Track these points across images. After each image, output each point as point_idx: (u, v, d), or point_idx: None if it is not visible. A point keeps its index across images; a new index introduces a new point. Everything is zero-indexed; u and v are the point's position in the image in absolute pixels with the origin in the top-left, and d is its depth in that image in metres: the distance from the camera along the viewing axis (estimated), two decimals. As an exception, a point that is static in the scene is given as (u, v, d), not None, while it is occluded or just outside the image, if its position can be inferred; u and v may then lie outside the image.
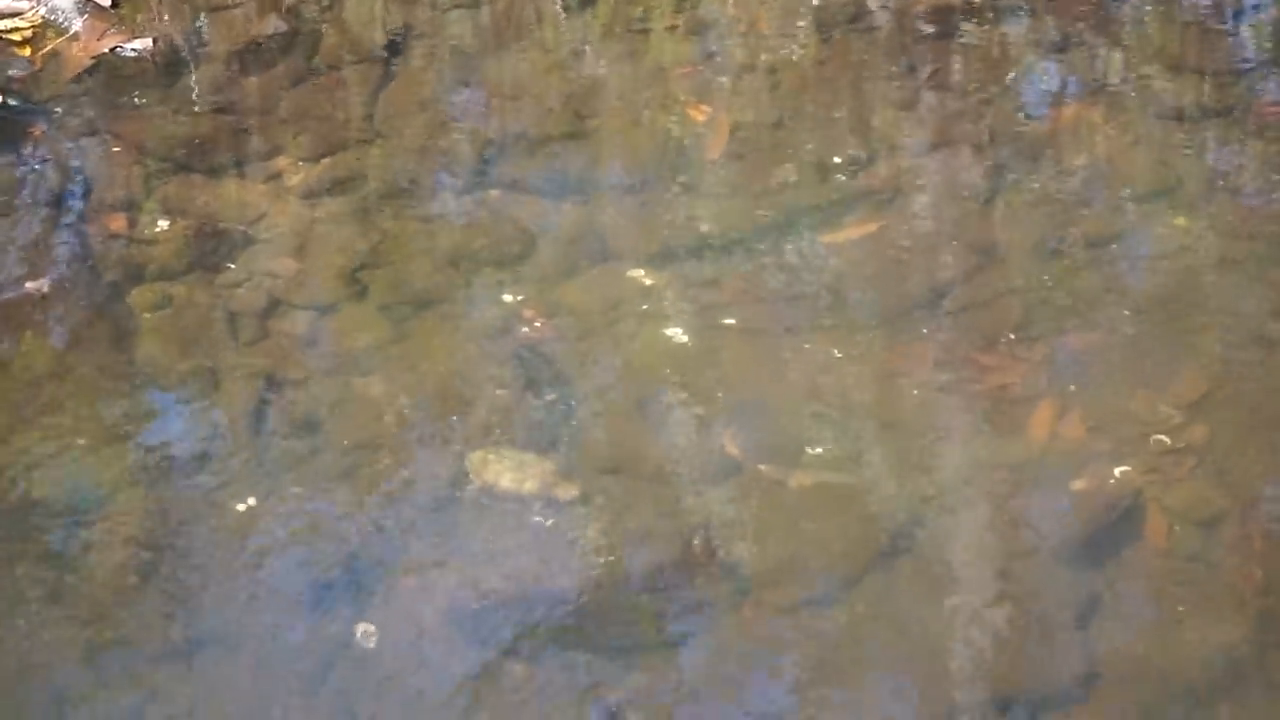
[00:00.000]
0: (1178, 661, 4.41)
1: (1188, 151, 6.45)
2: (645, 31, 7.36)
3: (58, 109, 6.66)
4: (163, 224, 5.97)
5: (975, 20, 7.43)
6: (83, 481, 4.91)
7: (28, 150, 6.39)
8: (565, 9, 7.54)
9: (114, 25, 7.16)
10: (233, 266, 5.75)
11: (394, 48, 7.19)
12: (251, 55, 7.09)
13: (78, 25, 7.14)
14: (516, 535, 4.72)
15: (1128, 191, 6.17)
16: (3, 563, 4.66)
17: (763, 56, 7.18)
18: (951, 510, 4.80)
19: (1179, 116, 6.65)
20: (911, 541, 4.72)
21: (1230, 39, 7.37)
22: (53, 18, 7.18)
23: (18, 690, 4.34)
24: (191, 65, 7.01)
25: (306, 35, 7.27)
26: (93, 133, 6.54)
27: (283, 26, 7.31)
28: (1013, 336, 5.41)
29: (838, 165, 6.33)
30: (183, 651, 4.44)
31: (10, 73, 6.83)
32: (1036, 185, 6.19)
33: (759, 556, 4.67)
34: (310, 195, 6.13)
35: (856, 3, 7.57)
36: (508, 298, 5.60)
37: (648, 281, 5.67)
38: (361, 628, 4.46)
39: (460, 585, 4.57)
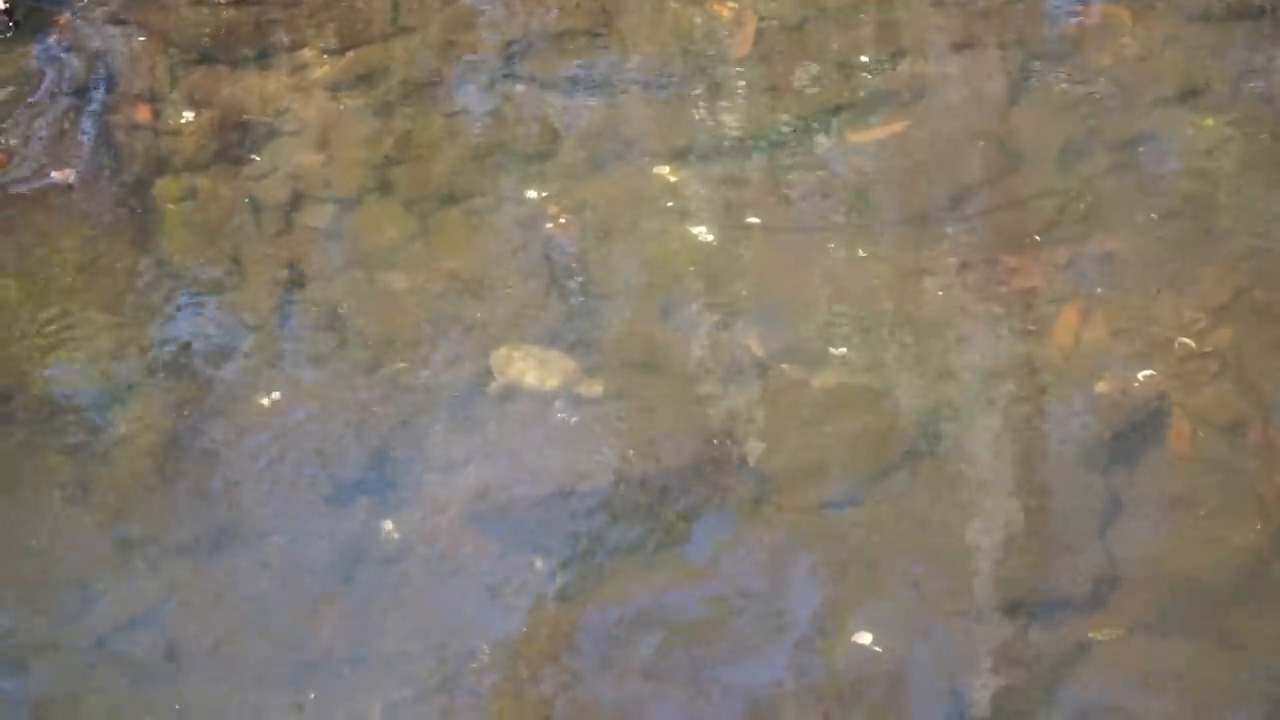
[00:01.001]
0: (1198, 565, 4.42)
1: (1215, 53, 6.40)
2: (672, -74, 7.31)
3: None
4: (187, 115, 5.96)
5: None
6: (108, 372, 4.93)
7: (53, 39, 6.37)
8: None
9: (139, -87, 7.12)
10: (257, 159, 5.74)
11: (419, -60, 7.14)
12: (277, -55, 7.05)
13: (102, -87, 7.09)
14: (539, 432, 4.73)
15: (1154, 94, 6.12)
16: (30, 452, 4.68)
17: (790, -48, 7.14)
18: (974, 412, 4.80)
19: (1207, 17, 6.60)
20: (933, 443, 4.72)
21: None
22: (77, -95, 7.14)
23: (47, 581, 4.37)
24: (216, -45, 6.98)
25: (332, -74, 7.23)
26: (118, 22, 6.51)
27: (308, -83, 7.27)
28: (1038, 239, 5.39)
29: (864, 64, 6.29)
30: (207, 545, 4.47)
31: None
32: (1063, 87, 6.15)
33: (782, 456, 4.68)
34: (335, 88, 6.11)
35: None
36: (532, 194, 5.59)
37: (672, 179, 5.66)
38: (385, 524, 4.48)
39: (483, 482, 4.59)
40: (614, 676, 4.20)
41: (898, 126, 5.93)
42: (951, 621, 4.31)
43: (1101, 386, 4.88)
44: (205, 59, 6.29)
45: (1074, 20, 6.65)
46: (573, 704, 4.16)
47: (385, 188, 5.64)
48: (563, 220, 5.47)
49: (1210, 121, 5.95)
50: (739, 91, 6.14)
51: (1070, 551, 4.46)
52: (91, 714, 4.14)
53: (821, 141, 5.87)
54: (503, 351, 4.96)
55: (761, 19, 6.55)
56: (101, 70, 6.19)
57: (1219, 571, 4.40)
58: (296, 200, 5.57)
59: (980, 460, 4.67)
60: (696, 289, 5.21)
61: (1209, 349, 4.97)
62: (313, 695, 4.15)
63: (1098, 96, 6.12)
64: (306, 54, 6.30)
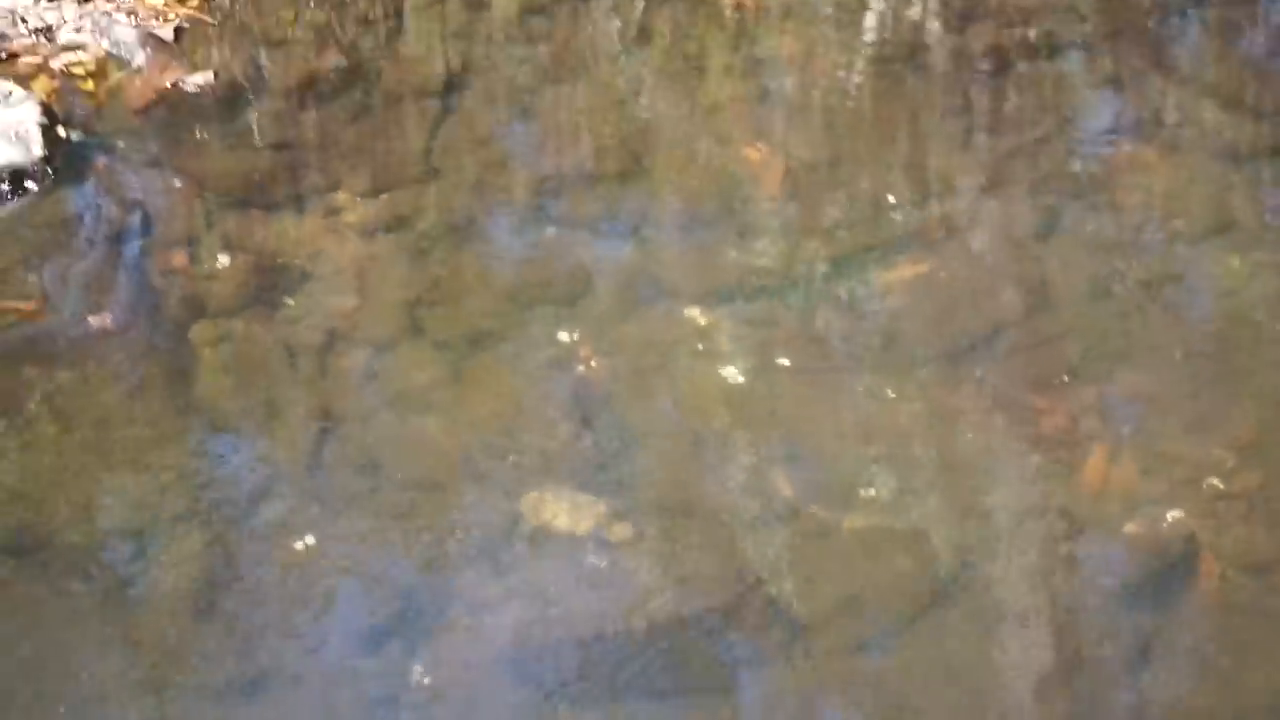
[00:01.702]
0: (1230, 708, 4.41)
1: (1241, 192, 6.45)
2: (701, 69, 7.40)
3: (120, 143, 6.72)
4: (223, 259, 6.02)
5: (1031, 58, 7.45)
6: (143, 516, 4.96)
7: (91, 185, 6.46)
8: (623, 48, 7.59)
9: (176, 59, 7.23)
10: (291, 302, 5.80)
11: (452, 84, 7.24)
12: (311, 90, 7.14)
13: (140, 59, 7.21)
14: (570, 576, 4.75)
15: (1181, 232, 6.17)
16: (63, 599, 4.71)
17: (818, 94, 7.22)
18: (1004, 554, 4.81)
19: (1234, 156, 6.65)
20: (965, 585, 4.73)
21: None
22: (115, 52, 7.26)
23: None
24: (252, 100, 7.07)
25: (365, 70, 7.33)
26: (154, 167, 6.61)
27: (342, 61, 7.37)
28: (1066, 379, 5.42)
29: (892, 204, 6.35)
30: (241, 689, 4.48)
31: (74, 107, 6.90)
32: (1090, 226, 6.20)
33: (812, 599, 4.69)
34: (368, 232, 6.18)
35: (912, 40, 7.60)
36: (564, 336, 5.63)
37: (702, 321, 5.70)
38: (417, 667, 4.49)
39: (514, 626, 4.60)
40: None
41: (925, 266, 5.97)
42: (984, 766, 4.32)
43: (1131, 527, 4.89)
44: (240, 203, 6.37)
45: (1101, 160, 6.71)
46: None
47: (418, 331, 5.69)
48: (594, 363, 5.52)
49: (1237, 260, 5.99)
50: (768, 233, 6.20)
51: (1103, 695, 4.46)
52: None
53: (851, 282, 5.91)
54: (534, 495, 4.99)
55: (790, 160, 6.62)
56: (138, 215, 6.27)
57: (1248, 710, 4.39)
58: (330, 343, 5.62)
59: (1011, 603, 4.68)
60: (727, 431, 5.25)
61: (1237, 489, 4.99)
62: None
63: (1125, 236, 6.17)
64: (340, 197, 6.37)
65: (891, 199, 6.39)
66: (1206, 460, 5.09)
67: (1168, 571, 4.77)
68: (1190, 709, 4.43)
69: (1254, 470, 5.05)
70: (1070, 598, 4.71)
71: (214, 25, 7.58)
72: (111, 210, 6.32)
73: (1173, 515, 4.91)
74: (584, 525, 4.88)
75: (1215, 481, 5.01)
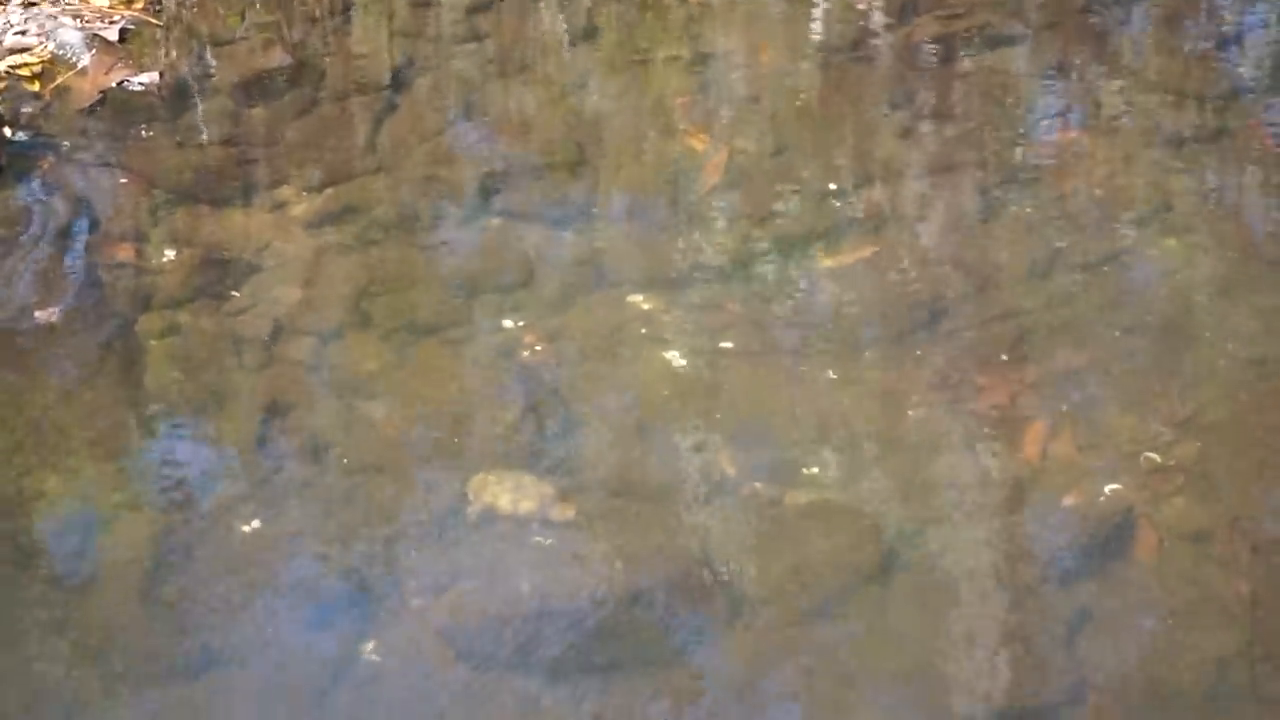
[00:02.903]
0: (1168, 675, 4.46)
1: (1181, 175, 6.52)
2: (646, 62, 7.45)
3: (66, 142, 6.75)
4: (169, 253, 6.05)
5: (973, 48, 7.52)
6: (91, 504, 4.99)
7: (37, 183, 6.48)
8: (569, 41, 7.63)
9: (121, 60, 7.26)
10: (238, 294, 5.83)
11: (398, 80, 7.28)
12: (256, 88, 7.18)
13: (86, 60, 7.23)
14: (516, 555, 4.78)
15: (1120, 215, 6.24)
16: (11, 588, 4.72)
17: (762, 85, 7.28)
18: (944, 528, 4.86)
19: (1173, 140, 6.72)
20: (905, 559, 4.78)
21: (1225, 65, 7.44)
22: (61, 53, 7.28)
23: (32, 714, 4.41)
24: (197, 98, 7.10)
25: (311, 68, 7.37)
26: (101, 165, 6.63)
27: (287, 60, 7.41)
28: (1006, 358, 5.48)
29: (835, 191, 6.41)
30: (187, 674, 4.50)
31: (20, 107, 6.92)
32: (1031, 210, 6.26)
33: (756, 572, 4.73)
34: (314, 225, 6.21)
35: (856, 31, 7.66)
36: (509, 323, 5.67)
37: (647, 306, 5.74)
38: (364, 647, 4.52)
39: (460, 605, 4.63)
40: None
41: (868, 251, 6.03)
42: (925, 733, 4.37)
43: (1070, 500, 4.94)
44: (187, 199, 6.40)
45: (1042, 146, 6.78)
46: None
47: (365, 321, 5.72)
48: (539, 349, 5.56)
49: (1174, 242, 6.06)
50: (712, 220, 6.25)
51: (1041, 663, 4.50)
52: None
53: (795, 267, 5.96)
54: (480, 477, 5.02)
55: (734, 149, 6.67)
56: (85, 211, 6.29)
57: (1186, 679, 4.44)
58: (277, 333, 5.65)
59: (951, 574, 4.73)
60: (670, 413, 5.29)
61: (1174, 462, 5.05)
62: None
63: (1065, 219, 6.23)
64: (286, 192, 6.41)
65: (834, 186, 6.44)
66: (1144, 434, 5.15)
67: (1106, 542, 4.82)
68: (1130, 676, 4.47)
69: (1190, 443, 5.11)
70: (1011, 569, 4.76)
71: (160, 26, 7.61)
72: (58, 207, 6.34)
73: (1111, 488, 4.97)
74: (529, 506, 4.92)
75: (1153, 455, 5.07)
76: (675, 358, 5.51)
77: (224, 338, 5.63)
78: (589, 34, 7.75)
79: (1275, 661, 4.50)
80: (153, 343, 5.63)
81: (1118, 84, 7.26)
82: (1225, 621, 4.59)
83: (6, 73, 7.13)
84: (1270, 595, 4.65)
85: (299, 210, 6.29)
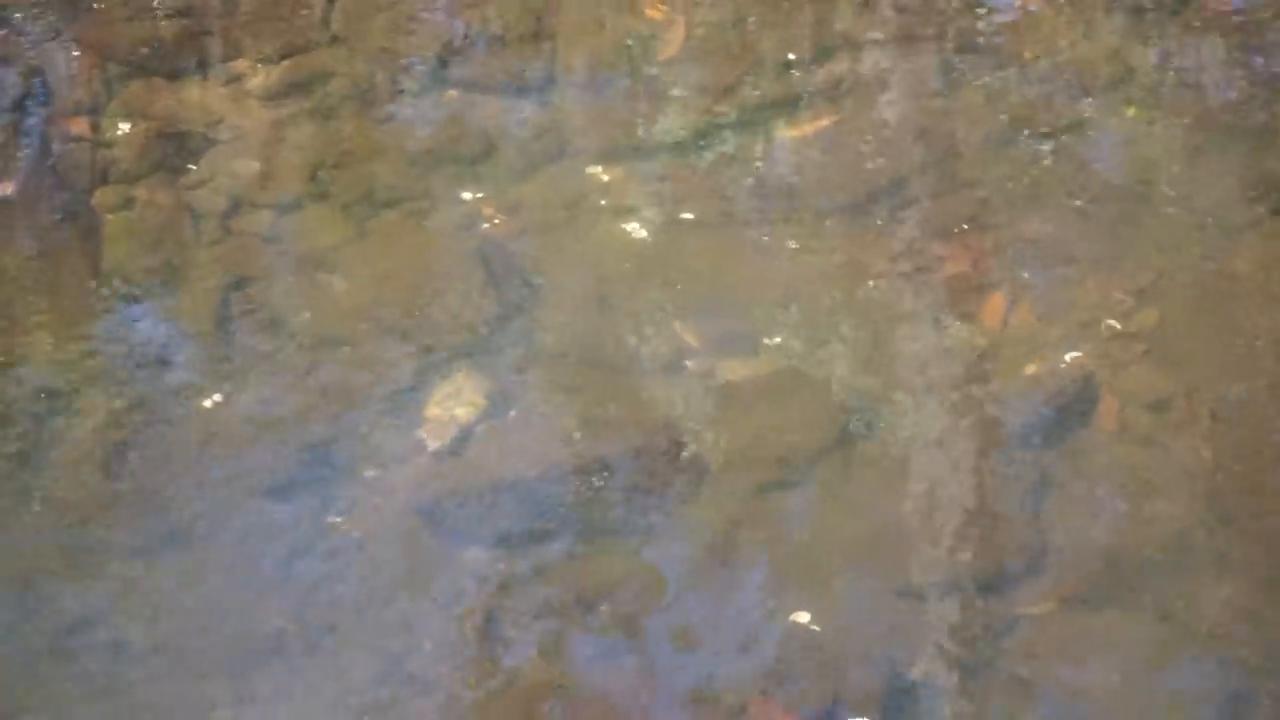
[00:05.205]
0: (1127, 539, 4.50)
1: (1139, 43, 6.49)
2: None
3: (17, 14, 6.66)
4: (124, 127, 6.00)
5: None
6: (51, 380, 4.97)
7: (-12, 56, 6.42)
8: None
9: (72, -70, 7.16)
10: (194, 168, 5.79)
11: (353, -50, 7.20)
12: (211, -41, 7.10)
13: (36, -69, 7.13)
14: (479, 425, 4.79)
15: (1079, 83, 6.22)
16: (-28, 461, 4.73)
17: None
18: (905, 396, 4.88)
19: (1134, 9, 6.69)
20: (867, 426, 4.80)
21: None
22: (11, -76, 7.18)
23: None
24: (151, -31, 7.02)
25: (265, -61, 7.28)
26: (55, 37, 6.55)
27: (242, -70, 7.32)
28: (967, 227, 5.47)
29: (794, 61, 6.36)
30: (150, 545, 4.52)
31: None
32: (989, 78, 6.24)
33: (719, 442, 4.74)
34: (271, 97, 6.16)
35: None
36: (468, 195, 5.65)
37: (606, 178, 5.72)
38: (330, 518, 4.53)
39: (424, 475, 4.65)
40: (554, 659, 4.27)
41: (828, 121, 6.01)
42: (886, 599, 4.39)
43: (1031, 369, 4.96)
44: (142, 71, 6.32)
45: (1002, 16, 6.74)
46: (515, 684, 4.23)
47: (322, 194, 5.69)
48: (498, 220, 5.53)
49: (1133, 110, 6.05)
50: (672, 91, 6.21)
51: (1003, 529, 4.54)
52: (43, 715, 4.19)
53: (755, 137, 5.94)
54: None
55: (692, 20, 6.63)
56: (38, 85, 6.23)
57: (1147, 544, 4.49)
58: (235, 207, 5.62)
59: (912, 442, 4.75)
60: (631, 284, 5.28)
61: (1134, 329, 5.06)
62: (262, 688, 4.21)
63: (1025, 89, 6.21)
64: (242, 64, 6.34)
65: (794, 56, 6.40)
66: (1104, 303, 5.16)
67: (1067, 410, 4.84)
68: (1091, 543, 4.51)
69: (1150, 310, 5.12)
70: (971, 438, 4.78)
71: (111, -104, 7.50)
72: (10, 80, 6.27)
73: (1071, 356, 4.99)
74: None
75: (1113, 322, 5.09)
76: (636, 229, 5.49)
77: (181, 211, 5.60)
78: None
79: (1234, 526, 4.53)
80: (109, 217, 5.59)
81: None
82: (1185, 487, 4.62)
83: (-45, -56, 7.03)
84: (1229, 461, 4.69)
85: (255, 82, 6.23)
